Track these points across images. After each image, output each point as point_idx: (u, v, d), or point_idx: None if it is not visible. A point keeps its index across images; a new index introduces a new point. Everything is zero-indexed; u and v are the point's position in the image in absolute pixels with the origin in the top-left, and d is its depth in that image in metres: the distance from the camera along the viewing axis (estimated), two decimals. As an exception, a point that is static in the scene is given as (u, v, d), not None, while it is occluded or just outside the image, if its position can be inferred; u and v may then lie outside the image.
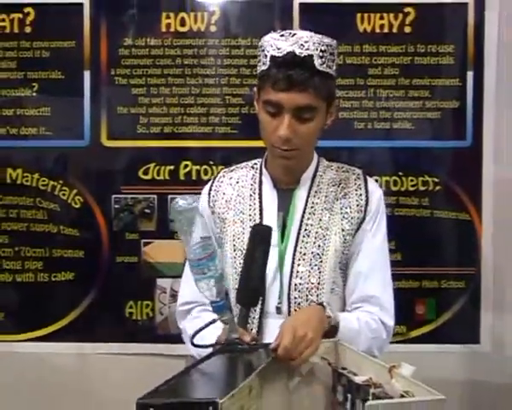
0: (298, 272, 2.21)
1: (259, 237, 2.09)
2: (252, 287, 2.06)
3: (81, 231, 3.41)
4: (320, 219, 2.24)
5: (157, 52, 3.35)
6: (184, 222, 1.82)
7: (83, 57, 3.35)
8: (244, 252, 2.17)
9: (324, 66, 2.11)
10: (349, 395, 1.74)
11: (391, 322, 2.26)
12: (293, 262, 2.21)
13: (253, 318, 2.20)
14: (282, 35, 2.12)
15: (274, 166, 2.29)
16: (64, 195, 3.38)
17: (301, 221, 2.25)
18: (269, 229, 2.10)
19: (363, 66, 3.36)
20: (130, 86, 3.36)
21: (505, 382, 3.37)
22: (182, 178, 3.36)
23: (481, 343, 3.39)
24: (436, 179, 3.37)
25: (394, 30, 3.35)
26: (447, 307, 3.40)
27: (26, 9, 3.33)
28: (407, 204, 3.35)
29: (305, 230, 2.24)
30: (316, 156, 2.34)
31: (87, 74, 3.36)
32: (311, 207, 2.26)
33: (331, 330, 2.01)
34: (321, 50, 2.10)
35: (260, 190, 2.32)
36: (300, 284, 2.20)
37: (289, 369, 1.85)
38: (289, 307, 2.19)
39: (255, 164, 2.38)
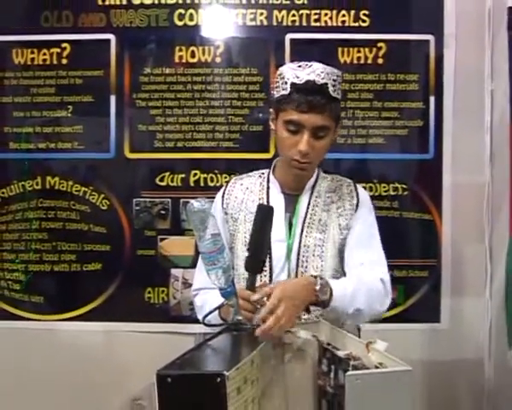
0: (303, 261, 2.23)
1: (263, 213, 2.08)
2: (258, 256, 2.05)
3: (107, 229, 3.40)
4: (320, 219, 2.27)
5: (171, 79, 3.35)
6: (198, 221, 1.82)
7: (109, 84, 3.34)
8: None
9: (336, 93, 2.16)
10: (332, 367, 1.75)
11: (388, 283, 2.21)
12: (298, 253, 2.23)
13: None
14: (299, 66, 2.15)
15: (286, 175, 2.31)
16: (93, 199, 3.38)
17: (304, 220, 2.27)
18: (271, 208, 2.10)
19: (344, 91, 3.31)
20: (148, 108, 3.36)
21: (460, 353, 3.39)
22: (192, 184, 3.35)
23: (441, 322, 3.40)
24: (404, 186, 3.37)
25: (369, 61, 3.35)
26: (413, 292, 3.41)
27: (63, 45, 3.33)
28: (380, 206, 3.34)
29: (308, 227, 2.26)
30: (316, 168, 2.36)
31: (113, 98, 3.35)
32: (313, 209, 2.28)
33: (324, 301, 1.96)
34: (333, 79, 2.14)
35: (268, 194, 2.33)
36: (306, 271, 2.22)
37: (284, 345, 1.85)
38: None
39: (262, 173, 2.41)
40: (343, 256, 2.27)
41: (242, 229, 2.32)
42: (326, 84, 2.12)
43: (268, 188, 2.34)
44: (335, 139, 2.32)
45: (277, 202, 2.29)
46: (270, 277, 2.23)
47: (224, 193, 2.41)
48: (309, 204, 2.29)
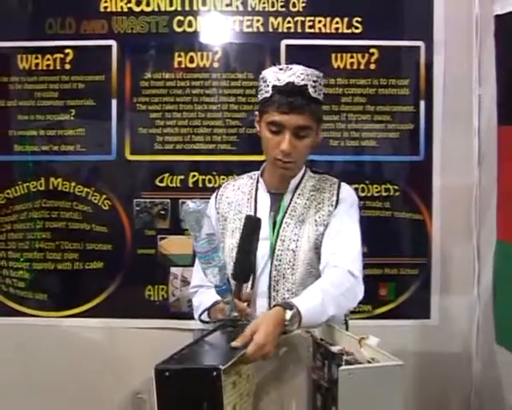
0: (277, 255, 2.23)
1: (251, 225, 2.12)
2: (244, 265, 2.08)
3: (109, 229, 3.40)
4: (299, 215, 2.27)
5: (171, 84, 3.35)
6: (193, 221, 1.84)
7: (111, 88, 3.34)
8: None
9: (316, 93, 2.17)
10: (326, 362, 1.76)
11: (358, 272, 2.17)
12: (274, 248, 2.23)
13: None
14: (280, 68, 2.18)
15: (272, 175, 2.33)
16: (95, 199, 3.38)
17: (283, 216, 2.27)
18: (259, 220, 2.13)
19: (337, 95, 3.37)
20: (148, 111, 3.36)
21: (449, 348, 3.40)
22: (190, 185, 3.36)
23: (431, 318, 3.41)
24: (396, 187, 3.38)
25: (362, 67, 3.36)
26: (404, 289, 3.41)
27: (67, 51, 3.33)
28: (372, 207, 3.36)
29: (286, 222, 2.26)
30: (304, 167, 2.36)
31: (114, 102, 3.35)
32: (294, 206, 2.29)
33: (296, 321, 1.87)
34: (313, 81, 2.15)
35: (256, 194, 2.34)
36: (279, 264, 2.23)
37: (279, 340, 1.85)
38: (270, 283, 2.22)
39: (254, 175, 2.42)
40: (319, 251, 2.25)
41: (230, 227, 2.33)
42: (306, 85, 2.13)
43: (257, 188, 2.36)
44: (319, 141, 2.31)
45: (263, 200, 2.32)
46: (254, 274, 2.23)
47: (217, 194, 2.44)
48: (291, 201, 2.30)
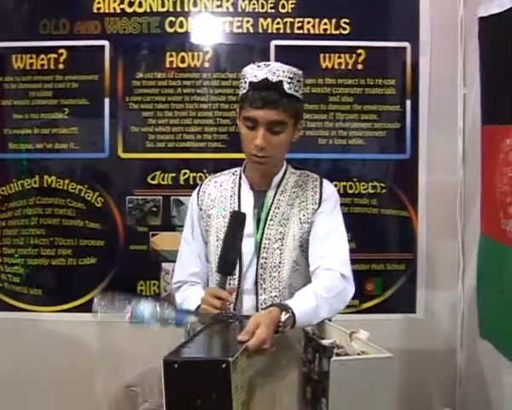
0: (263, 253, 2.25)
1: (236, 220, 2.16)
2: (228, 258, 2.11)
3: (102, 225, 3.40)
4: (283, 213, 2.28)
5: (162, 83, 3.36)
6: None
7: (104, 87, 3.35)
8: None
9: (292, 90, 2.17)
10: (317, 355, 1.77)
11: (349, 273, 2.21)
12: (260, 246, 2.25)
13: (233, 296, 2.22)
14: (258, 66, 2.19)
15: (251, 171, 2.34)
16: (88, 196, 3.38)
17: (268, 214, 2.29)
18: (244, 215, 2.17)
19: (325, 94, 3.39)
20: (141, 110, 3.37)
21: (434, 342, 3.43)
22: (182, 183, 3.37)
23: (417, 312, 3.44)
24: (382, 184, 3.41)
25: (349, 67, 3.38)
26: (391, 284, 3.44)
27: (60, 51, 3.33)
28: (360, 204, 3.39)
29: (271, 220, 2.28)
30: (285, 164, 2.38)
31: (107, 101, 3.35)
32: (277, 203, 2.30)
33: (289, 323, 1.91)
34: (289, 77, 2.16)
35: (239, 191, 2.35)
36: (265, 262, 2.25)
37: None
38: (256, 282, 2.24)
39: (236, 171, 2.42)
40: (304, 249, 2.27)
41: (215, 224, 2.34)
42: (281, 81, 2.14)
43: (240, 185, 2.37)
44: (298, 137, 2.33)
45: (247, 198, 2.33)
46: (240, 271, 2.25)
47: (199, 191, 2.44)
48: (274, 199, 2.31)
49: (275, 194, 2.32)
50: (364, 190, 3.41)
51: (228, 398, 1.46)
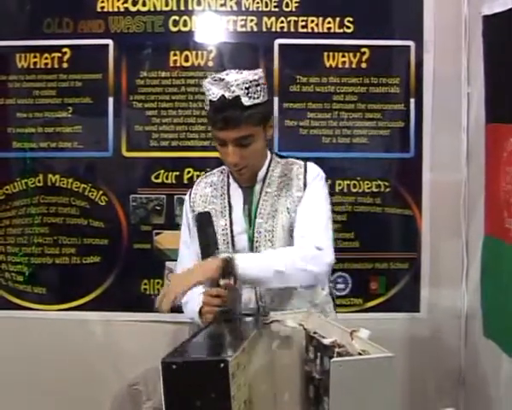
0: (256, 247, 2.28)
1: (202, 220, 2.21)
2: (211, 256, 2.11)
3: (106, 224, 3.41)
4: (271, 205, 2.30)
5: (166, 82, 3.36)
6: None
7: (108, 86, 3.35)
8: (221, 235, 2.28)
9: (251, 100, 2.15)
10: (318, 354, 1.76)
11: (324, 243, 2.20)
12: (252, 241, 2.28)
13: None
14: (215, 79, 2.17)
15: (236, 175, 2.35)
16: (92, 195, 3.39)
17: (256, 208, 2.31)
18: (207, 213, 2.23)
19: (329, 93, 3.38)
20: (144, 109, 3.37)
21: (438, 341, 3.43)
22: (185, 181, 3.37)
23: (421, 311, 3.44)
24: (386, 183, 3.40)
25: (353, 66, 3.38)
26: (394, 283, 3.44)
27: (64, 49, 3.34)
28: (364, 202, 3.39)
29: (260, 213, 2.30)
30: (269, 155, 2.39)
31: (111, 100, 3.36)
32: (265, 196, 2.32)
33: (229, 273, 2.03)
34: (245, 88, 2.13)
35: (229, 189, 2.38)
36: None
37: (272, 333, 1.88)
38: None
39: (223, 169, 2.44)
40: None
41: None
42: (238, 96, 2.12)
43: (228, 184, 2.39)
44: (271, 134, 2.36)
45: (236, 195, 2.36)
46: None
47: (191, 193, 2.47)
48: (261, 192, 2.32)
49: (261, 188, 2.34)
50: (368, 188, 3.40)
51: (227, 398, 1.46)
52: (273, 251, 2.21)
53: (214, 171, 2.50)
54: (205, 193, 2.42)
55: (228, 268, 2.02)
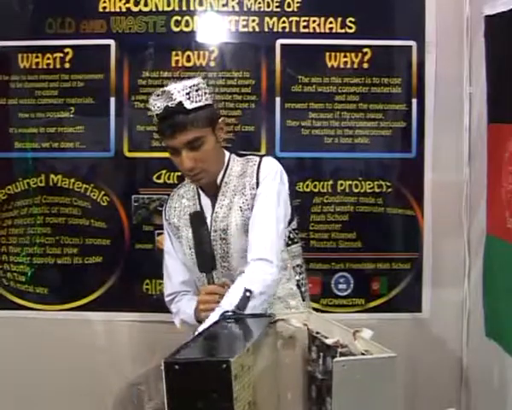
0: (214, 248, 2.31)
1: (195, 219, 2.27)
2: (204, 256, 2.21)
3: (107, 224, 3.41)
4: (227, 204, 2.34)
5: (168, 82, 3.31)
6: None
7: (109, 86, 3.36)
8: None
9: (194, 103, 2.20)
10: (321, 354, 1.76)
11: (271, 257, 2.21)
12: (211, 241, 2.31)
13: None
14: (158, 95, 2.23)
15: (194, 184, 2.41)
16: (94, 195, 3.39)
17: (213, 211, 2.35)
18: (200, 212, 2.30)
19: (331, 93, 3.38)
20: (146, 109, 3.31)
21: (440, 341, 3.43)
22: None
23: (422, 312, 3.44)
24: (388, 183, 3.40)
25: (355, 66, 3.37)
26: (396, 283, 3.44)
27: (66, 50, 3.34)
28: (365, 203, 3.39)
29: (216, 212, 2.34)
30: (227, 157, 2.42)
31: (113, 100, 3.36)
32: (222, 196, 2.36)
33: None
34: (186, 93, 2.19)
35: (200, 200, 2.42)
36: (216, 254, 2.31)
37: (277, 332, 1.88)
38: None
39: None
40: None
41: (185, 234, 2.41)
42: (180, 102, 2.17)
43: (199, 194, 2.43)
44: (223, 135, 2.37)
45: (206, 204, 2.40)
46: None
47: (165, 207, 2.53)
48: (218, 195, 2.36)
49: (219, 189, 2.37)
50: (370, 188, 3.40)
51: (229, 399, 1.46)
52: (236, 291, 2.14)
53: (185, 182, 2.54)
54: (178, 205, 2.47)
55: None
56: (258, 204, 2.30)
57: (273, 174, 2.35)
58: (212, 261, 2.28)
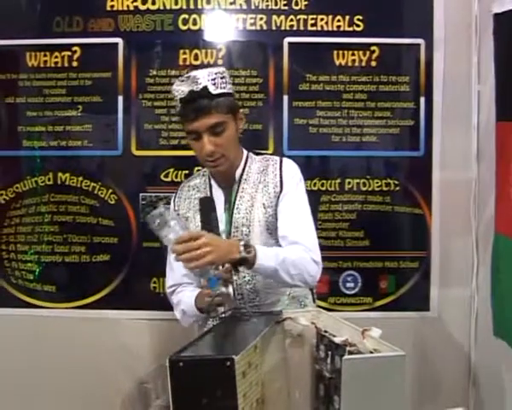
0: None
1: (205, 205, 2.23)
2: None
3: (115, 222, 3.42)
4: (248, 200, 2.35)
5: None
6: (160, 224, 2.03)
7: (117, 85, 3.36)
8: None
9: (218, 89, 2.24)
10: (329, 352, 1.77)
11: (319, 258, 2.29)
12: (229, 234, 2.33)
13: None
14: (182, 80, 2.26)
15: (214, 174, 2.42)
16: (102, 193, 3.40)
17: (234, 203, 2.36)
18: (211, 198, 2.28)
19: (339, 92, 3.38)
20: (154, 108, 3.38)
21: (448, 339, 3.43)
22: (195, 180, 3.37)
23: (430, 310, 3.43)
24: (396, 181, 3.40)
25: (363, 64, 3.37)
26: (404, 282, 3.43)
27: (74, 48, 3.35)
28: (373, 201, 3.38)
29: (237, 208, 2.35)
30: (245, 154, 2.45)
31: (120, 98, 3.36)
32: (242, 192, 2.38)
33: (248, 258, 2.09)
34: (211, 79, 2.23)
35: (211, 191, 2.42)
36: None
37: (285, 331, 1.89)
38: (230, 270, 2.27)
39: (204, 172, 2.52)
40: (272, 232, 2.34)
41: (193, 226, 2.40)
42: (205, 86, 2.21)
43: (210, 185, 2.44)
44: (242, 125, 2.39)
45: (218, 196, 2.40)
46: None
47: (175, 197, 2.53)
48: (238, 190, 2.38)
49: (238, 185, 2.39)
50: (378, 187, 3.40)
51: (233, 396, 1.47)
52: (281, 248, 2.26)
53: (195, 174, 2.58)
54: (189, 196, 2.48)
55: (248, 253, 2.09)
56: (290, 203, 2.35)
57: (299, 179, 2.42)
58: None
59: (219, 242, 2.09)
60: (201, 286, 2.35)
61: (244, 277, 2.33)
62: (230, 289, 2.08)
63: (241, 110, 2.43)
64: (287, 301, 2.39)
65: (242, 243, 2.10)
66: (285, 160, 2.44)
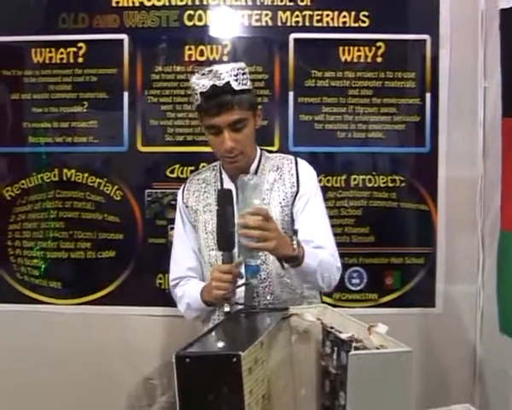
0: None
1: (222, 196, 2.19)
2: (225, 234, 2.14)
3: (121, 219, 3.42)
4: (264, 198, 2.32)
5: (181, 77, 3.36)
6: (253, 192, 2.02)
7: (123, 81, 3.36)
8: (213, 232, 2.31)
9: (240, 85, 2.23)
10: (335, 348, 1.76)
11: (340, 264, 2.34)
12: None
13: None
14: (203, 74, 2.25)
15: (228, 169, 2.40)
16: (107, 190, 3.40)
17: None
18: (229, 190, 2.21)
19: (345, 88, 3.38)
20: (159, 104, 3.38)
21: (453, 336, 3.42)
22: (200, 176, 3.37)
23: (436, 307, 3.43)
24: (402, 178, 3.39)
25: (369, 60, 3.36)
26: (410, 278, 3.43)
27: (79, 44, 3.35)
28: (379, 197, 3.38)
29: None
30: (258, 151, 2.45)
31: (126, 94, 3.36)
32: None
33: (298, 256, 2.11)
34: (234, 75, 2.22)
35: (222, 185, 2.42)
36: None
37: (291, 327, 1.88)
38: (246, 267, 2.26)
39: (215, 166, 2.51)
40: (287, 231, 2.32)
41: (202, 219, 2.41)
42: (228, 82, 2.20)
43: (221, 179, 2.44)
44: (259, 122, 2.39)
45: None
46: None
47: (183, 189, 2.52)
48: None
49: None
50: (384, 183, 3.39)
51: (239, 392, 1.46)
52: (314, 250, 2.25)
53: (206, 168, 2.57)
54: (198, 189, 2.48)
55: (299, 252, 2.12)
56: (312, 210, 2.36)
57: (315, 180, 2.44)
58: (233, 239, 2.25)
59: (281, 233, 2.13)
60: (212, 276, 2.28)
61: (260, 275, 2.31)
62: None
63: (260, 106, 2.43)
64: (298, 300, 2.39)
65: (296, 239, 2.12)
66: (300, 160, 2.45)
